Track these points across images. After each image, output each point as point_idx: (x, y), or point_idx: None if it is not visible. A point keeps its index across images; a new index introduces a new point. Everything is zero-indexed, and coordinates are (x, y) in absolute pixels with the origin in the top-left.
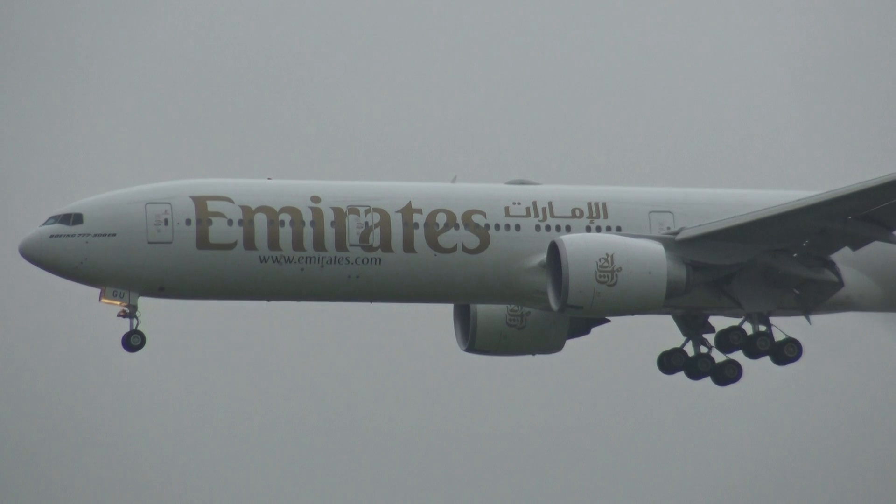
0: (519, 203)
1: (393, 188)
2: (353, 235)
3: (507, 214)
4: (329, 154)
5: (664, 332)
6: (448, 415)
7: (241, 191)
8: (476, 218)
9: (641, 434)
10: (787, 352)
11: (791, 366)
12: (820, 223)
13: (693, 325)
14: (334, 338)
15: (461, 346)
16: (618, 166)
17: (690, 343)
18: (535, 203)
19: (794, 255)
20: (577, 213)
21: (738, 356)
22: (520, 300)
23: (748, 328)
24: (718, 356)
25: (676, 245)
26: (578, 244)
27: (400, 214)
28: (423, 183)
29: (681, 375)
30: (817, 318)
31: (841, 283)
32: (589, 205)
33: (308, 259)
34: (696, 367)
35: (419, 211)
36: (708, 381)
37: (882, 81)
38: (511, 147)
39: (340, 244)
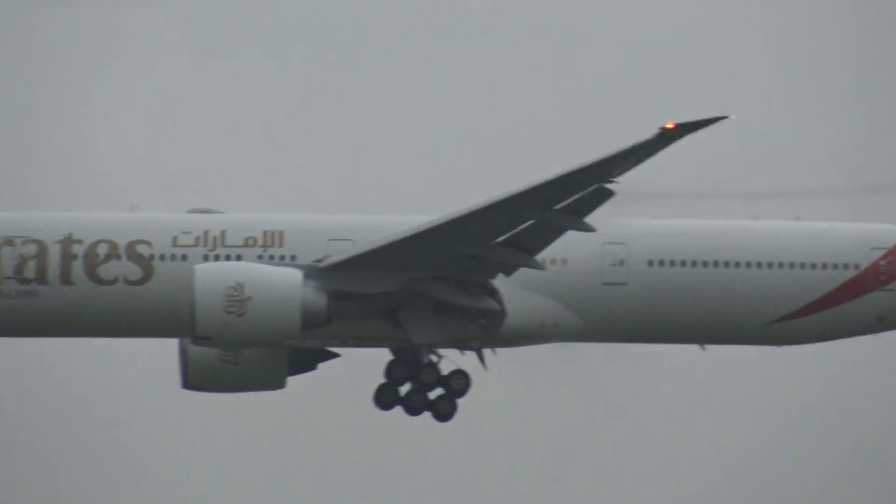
0: (189, 232)
1: (54, 219)
2: (6, 268)
3: (175, 244)
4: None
5: None
6: (153, 453)
7: None
8: (140, 248)
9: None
10: (454, 384)
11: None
12: (461, 248)
13: (410, 359)
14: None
15: (180, 383)
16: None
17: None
18: (206, 232)
19: (463, 283)
20: (251, 242)
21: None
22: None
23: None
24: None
25: (319, 273)
26: (209, 274)
27: (59, 245)
28: (88, 213)
29: (400, 410)
30: (522, 351)
31: (504, 312)
32: (265, 233)
33: None
34: (410, 404)
35: (80, 242)
36: (428, 416)
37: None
38: (207, 176)
39: None
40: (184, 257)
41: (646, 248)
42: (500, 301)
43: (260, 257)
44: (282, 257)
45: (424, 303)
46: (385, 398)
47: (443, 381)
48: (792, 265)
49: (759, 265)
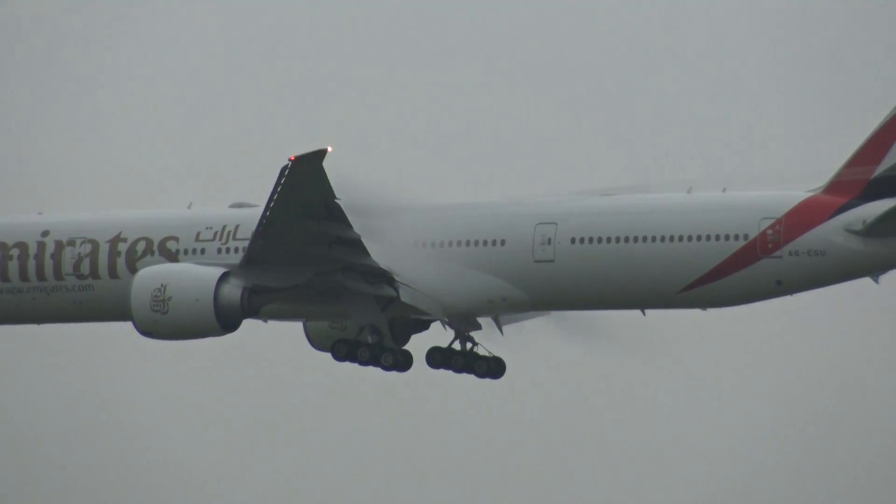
0: (210, 228)
1: (109, 219)
2: (67, 265)
3: (197, 239)
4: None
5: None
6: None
7: None
8: (170, 244)
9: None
10: (383, 360)
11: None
12: (308, 249)
13: (463, 324)
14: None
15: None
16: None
17: (458, 341)
18: (224, 227)
19: (366, 273)
20: None
21: None
22: None
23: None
24: (483, 352)
25: (238, 271)
26: (143, 276)
27: (108, 244)
28: (141, 211)
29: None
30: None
31: (398, 297)
32: None
33: (35, 289)
34: (459, 362)
35: (125, 240)
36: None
37: None
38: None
39: (58, 274)
40: (202, 251)
41: (571, 227)
42: (395, 288)
43: None
44: None
45: (344, 289)
46: (436, 358)
47: (377, 355)
48: (690, 238)
49: (663, 239)
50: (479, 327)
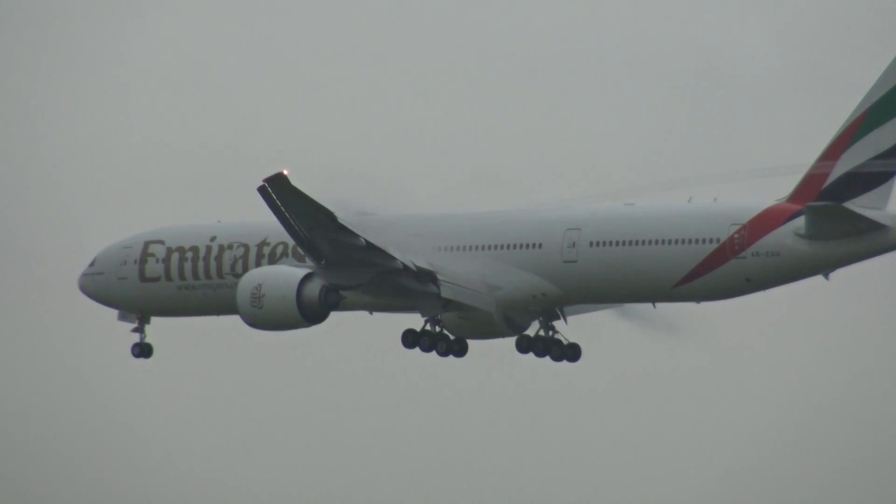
0: None
1: (259, 226)
2: (226, 266)
3: None
4: None
5: None
6: None
7: (171, 234)
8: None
9: None
10: (439, 347)
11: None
12: (350, 253)
13: (547, 316)
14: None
15: None
16: None
17: (542, 330)
18: None
19: (418, 273)
20: None
21: None
22: None
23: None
24: (562, 339)
25: (321, 271)
26: (247, 277)
27: (257, 248)
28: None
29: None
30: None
31: (439, 295)
32: None
33: (205, 286)
34: (539, 348)
35: (269, 244)
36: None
37: None
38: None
39: (220, 273)
40: None
41: (592, 232)
42: (438, 286)
43: None
44: None
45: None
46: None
47: (434, 344)
48: (677, 242)
49: (658, 242)
50: (558, 318)
